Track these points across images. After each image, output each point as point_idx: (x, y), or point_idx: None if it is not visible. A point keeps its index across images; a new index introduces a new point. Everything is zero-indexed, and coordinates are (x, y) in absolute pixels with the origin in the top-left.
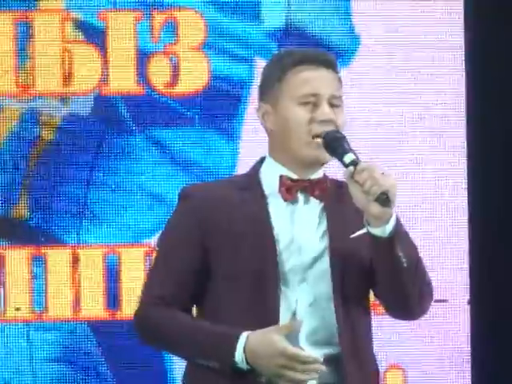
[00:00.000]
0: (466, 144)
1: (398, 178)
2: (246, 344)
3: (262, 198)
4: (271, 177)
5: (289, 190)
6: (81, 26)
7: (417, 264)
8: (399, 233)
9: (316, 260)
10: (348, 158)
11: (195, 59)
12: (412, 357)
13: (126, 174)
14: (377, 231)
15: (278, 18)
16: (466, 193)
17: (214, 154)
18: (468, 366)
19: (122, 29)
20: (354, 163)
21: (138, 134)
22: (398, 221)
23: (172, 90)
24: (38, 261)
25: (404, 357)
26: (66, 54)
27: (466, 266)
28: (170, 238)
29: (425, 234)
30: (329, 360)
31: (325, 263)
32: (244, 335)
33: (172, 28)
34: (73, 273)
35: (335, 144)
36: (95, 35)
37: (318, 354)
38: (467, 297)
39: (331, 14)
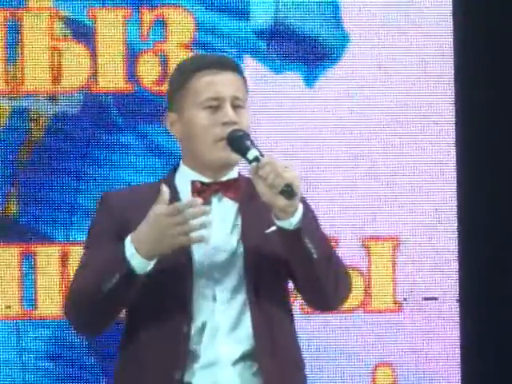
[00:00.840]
0: (455, 141)
1: (387, 178)
2: (132, 237)
3: (177, 202)
4: (184, 182)
5: (200, 194)
6: (70, 23)
7: (329, 256)
8: (307, 225)
9: (232, 260)
10: (251, 154)
11: (184, 57)
12: (402, 354)
13: (115, 171)
14: (284, 224)
15: (266, 16)
16: (455, 191)
17: None
18: (458, 364)
19: (111, 27)
20: (257, 159)
21: (127, 131)
22: (306, 213)
23: (161, 88)
24: (28, 258)
25: (393, 354)
26: (55, 51)
27: (455, 264)
28: (91, 237)
29: (414, 231)
30: (247, 357)
31: (240, 261)
32: (130, 234)
33: (161, 26)
34: (62, 270)
35: (238, 143)
36: (84, 33)
37: (237, 350)
38: (457, 295)
39: (320, 11)
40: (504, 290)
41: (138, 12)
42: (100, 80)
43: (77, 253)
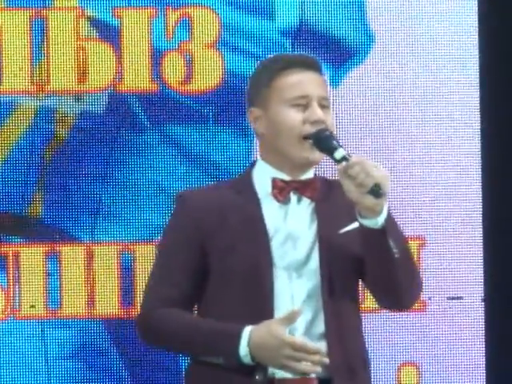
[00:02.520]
0: (480, 141)
1: (412, 178)
2: (250, 338)
3: (256, 200)
4: (263, 179)
5: (281, 191)
6: (95, 23)
7: (407, 255)
8: (390, 224)
9: (309, 257)
10: (338, 153)
11: (209, 57)
12: (426, 354)
13: (140, 171)
14: (369, 223)
15: (291, 16)
16: (480, 191)
17: (228, 151)
18: (482, 364)
19: (137, 26)
20: (345, 158)
21: (152, 131)
22: (390, 215)
23: (186, 88)
24: (53, 258)
25: (418, 354)
26: (81, 51)
27: (480, 263)
28: (169, 241)
29: (440, 231)
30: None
31: (316, 261)
32: (247, 329)
33: (186, 25)
34: (87, 270)
35: (325, 142)
36: (110, 33)
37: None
38: (482, 294)
39: (345, 11)
40: None
41: (163, 11)
42: (125, 80)
43: (101, 252)
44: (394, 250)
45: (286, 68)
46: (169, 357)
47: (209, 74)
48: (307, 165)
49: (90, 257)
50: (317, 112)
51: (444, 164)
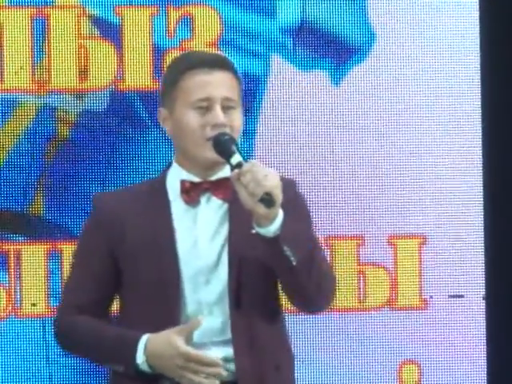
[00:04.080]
0: (482, 139)
1: (413, 176)
2: (147, 346)
3: (166, 203)
4: (174, 181)
5: (190, 193)
6: (97, 21)
7: (311, 263)
8: (287, 232)
9: (218, 261)
10: (234, 159)
11: None
12: (427, 351)
13: (141, 169)
14: (263, 231)
15: (293, 14)
16: (481, 189)
17: None
18: (483, 362)
19: (138, 24)
20: (240, 165)
21: (153, 129)
22: (289, 219)
23: None
24: (55, 256)
25: (419, 352)
26: (82, 49)
27: (481, 261)
28: (81, 245)
29: (441, 229)
30: (228, 360)
31: (225, 264)
32: (144, 337)
33: (188, 24)
34: None
35: (222, 147)
36: (111, 31)
37: (223, 352)
38: (483, 292)
39: (347, 9)
40: None
41: (165, 10)
42: (127, 78)
43: None
44: (291, 258)
45: (191, 69)
46: None
47: None
48: (213, 165)
49: None
50: (217, 115)
51: (445, 162)
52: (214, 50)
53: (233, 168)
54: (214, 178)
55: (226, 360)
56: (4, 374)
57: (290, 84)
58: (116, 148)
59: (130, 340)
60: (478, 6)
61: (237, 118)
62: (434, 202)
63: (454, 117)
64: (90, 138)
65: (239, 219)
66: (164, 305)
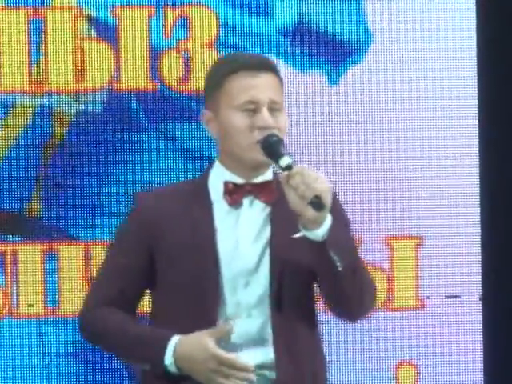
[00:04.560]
0: (478, 140)
1: (410, 176)
2: (177, 347)
3: (208, 204)
4: (217, 182)
5: (233, 195)
6: (93, 22)
7: (355, 269)
8: (334, 237)
9: (259, 263)
10: (283, 161)
11: (208, 56)
12: (424, 352)
13: (138, 169)
14: (311, 234)
15: (290, 14)
16: (478, 190)
17: None
18: (480, 362)
19: (135, 25)
20: (289, 167)
21: (150, 130)
22: (335, 225)
23: (184, 87)
24: (51, 257)
25: (416, 353)
26: (79, 50)
27: (478, 262)
28: (118, 242)
29: (437, 230)
30: (266, 366)
31: (266, 267)
32: (175, 339)
33: (184, 24)
34: (85, 269)
35: (271, 148)
36: (108, 32)
37: (259, 356)
38: (479, 293)
39: (343, 10)
40: None
41: (162, 10)
42: (123, 78)
43: (100, 252)
44: (338, 264)
45: (236, 71)
46: None
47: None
48: (259, 167)
49: (87, 255)
50: (265, 118)
51: (442, 162)
52: (210, 51)
53: (282, 170)
54: (257, 180)
55: (262, 366)
56: (1, 375)
57: (287, 84)
58: (113, 148)
59: (159, 340)
60: (475, 5)
61: (283, 120)
62: (431, 202)
63: (450, 117)
64: (87, 139)
65: (281, 222)
66: (202, 306)
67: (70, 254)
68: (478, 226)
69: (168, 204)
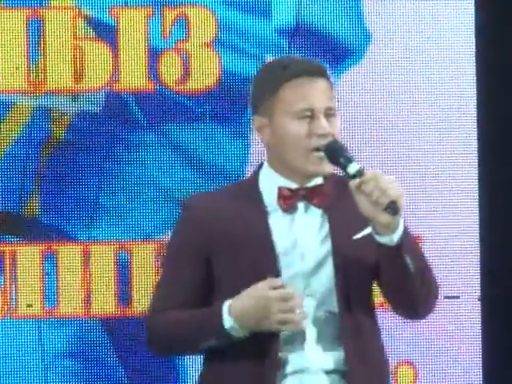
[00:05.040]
0: (477, 141)
1: (409, 177)
2: (231, 308)
3: (262, 208)
4: (270, 187)
5: (287, 200)
6: (92, 22)
7: (424, 270)
8: (406, 240)
9: (320, 265)
10: (352, 168)
11: (206, 56)
12: (423, 353)
13: (137, 170)
14: (385, 240)
15: (288, 15)
16: (477, 190)
17: (224, 151)
18: (479, 363)
19: (133, 26)
20: (360, 173)
21: (149, 130)
22: (405, 229)
23: (183, 87)
24: (50, 258)
25: (415, 353)
26: (77, 50)
27: (477, 262)
28: (175, 249)
29: (437, 230)
30: (337, 366)
31: (329, 267)
32: (227, 302)
33: (183, 25)
34: (84, 269)
35: (338, 155)
36: (106, 32)
37: (325, 358)
38: (478, 293)
39: (342, 10)
40: None
41: (160, 11)
42: (122, 79)
43: (98, 252)
44: (410, 266)
45: (292, 78)
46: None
47: (205, 73)
48: (315, 176)
49: (86, 256)
50: (323, 125)
51: (440, 163)
52: (209, 51)
53: (350, 177)
54: (310, 184)
55: (334, 366)
56: (0, 375)
57: None
58: (111, 149)
59: (212, 309)
60: (473, 8)
61: (337, 126)
62: (430, 202)
63: (449, 118)
64: (86, 139)
65: (339, 224)
66: None
67: (68, 255)
68: (477, 227)
69: (221, 210)
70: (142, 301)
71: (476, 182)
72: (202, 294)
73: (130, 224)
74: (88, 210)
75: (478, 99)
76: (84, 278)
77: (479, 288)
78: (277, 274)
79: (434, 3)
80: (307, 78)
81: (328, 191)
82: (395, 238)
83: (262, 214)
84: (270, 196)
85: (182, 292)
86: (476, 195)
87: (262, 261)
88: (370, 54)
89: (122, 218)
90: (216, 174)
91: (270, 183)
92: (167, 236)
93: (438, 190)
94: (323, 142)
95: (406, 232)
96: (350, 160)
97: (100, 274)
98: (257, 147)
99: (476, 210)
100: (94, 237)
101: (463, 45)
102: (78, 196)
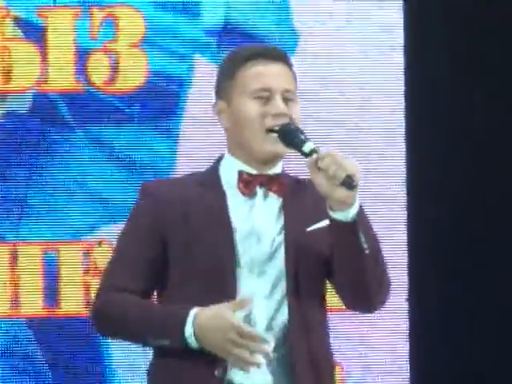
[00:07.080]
0: (405, 140)
1: None
2: (196, 318)
3: (221, 193)
4: (230, 172)
5: (247, 184)
6: (20, 23)
7: (378, 249)
8: (362, 218)
9: (274, 254)
10: (307, 147)
11: (134, 56)
12: (351, 354)
13: (65, 171)
14: (341, 216)
15: (217, 15)
16: (405, 191)
17: (152, 151)
18: (406, 364)
19: (61, 26)
20: (315, 151)
21: (77, 131)
22: (360, 207)
23: (111, 88)
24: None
25: (343, 354)
26: (5, 51)
27: (404, 263)
28: (130, 232)
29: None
30: (281, 356)
31: (282, 257)
32: (194, 310)
33: (111, 25)
34: (11, 270)
35: (291, 136)
36: (34, 32)
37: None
38: (405, 294)
39: (270, 10)
40: (451, 288)
41: (88, 11)
42: (50, 80)
43: (25, 252)
44: (365, 246)
45: (249, 59)
46: (91, 357)
47: (133, 73)
48: (272, 158)
49: (13, 256)
50: (278, 105)
51: (369, 161)
52: (137, 51)
53: (306, 155)
54: (271, 172)
55: (278, 357)
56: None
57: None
58: (39, 149)
59: (179, 313)
60: (402, 8)
61: (296, 111)
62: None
63: (378, 119)
64: (13, 140)
65: (294, 214)
66: (218, 293)
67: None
68: (405, 228)
69: (178, 193)
70: (68, 301)
71: (405, 183)
72: (153, 276)
73: (57, 224)
74: (16, 211)
75: (406, 100)
76: (11, 279)
77: (407, 289)
78: (234, 261)
79: (362, 3)
80: (263, 60)
81: (286, 181)
82: (351, 213)
83: (222, 198)
84: (229, 181)
85: (135, 269)
86: (405, 198)
87: (219, 244)
88: (299, 54)
89: (50, 218)
90: (145, 174)
91: (231, 169)
92: (95, 236)
93: (368, 198)
94: (278, 122)
95: (361, 210)
96: (304, 140)
97: (27, 275)
98: (185, 148)
99: (404, 212)
100: (21, 237)
101: (392, 45)
102: (5, 196)
